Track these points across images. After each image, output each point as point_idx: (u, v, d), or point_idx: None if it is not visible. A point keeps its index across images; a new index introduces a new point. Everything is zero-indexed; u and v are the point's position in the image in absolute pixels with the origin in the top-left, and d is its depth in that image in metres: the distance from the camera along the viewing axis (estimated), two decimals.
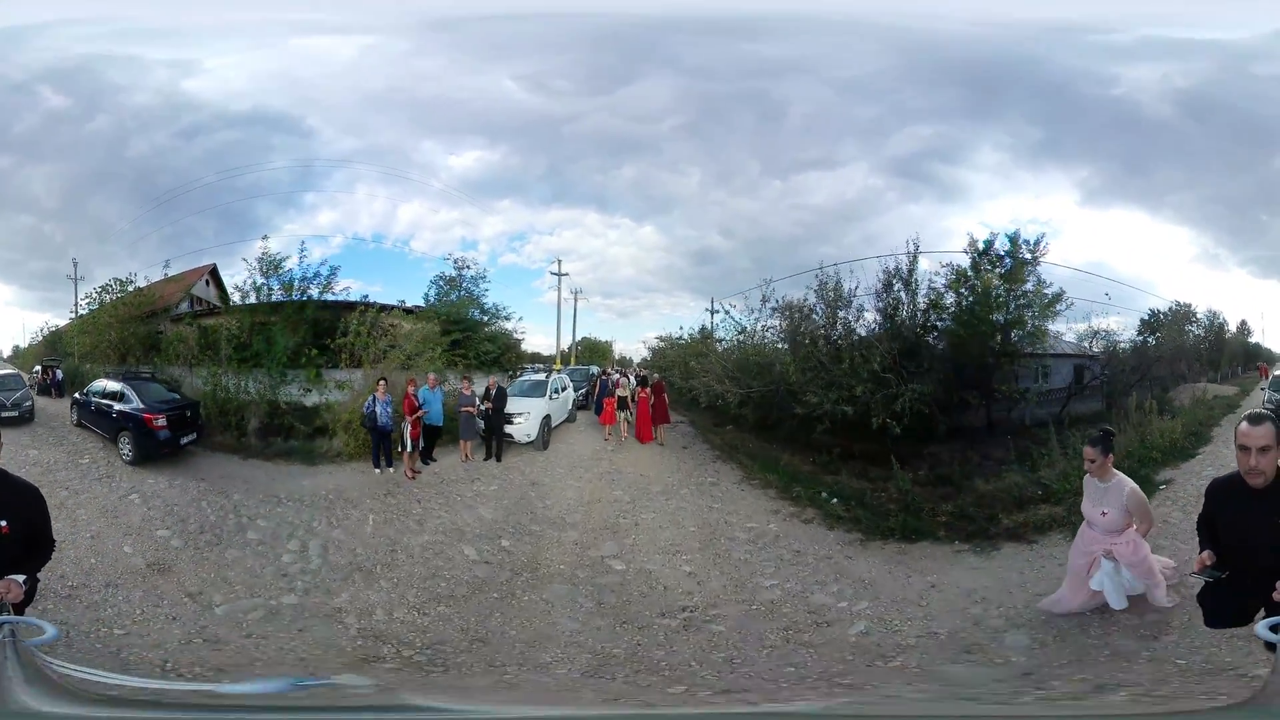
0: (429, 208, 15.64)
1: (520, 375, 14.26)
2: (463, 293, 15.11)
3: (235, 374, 11.41)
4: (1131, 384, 11.30)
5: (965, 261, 10.81)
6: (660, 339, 18.14)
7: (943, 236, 18.24)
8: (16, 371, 12.37)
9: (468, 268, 15.19)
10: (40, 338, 14.38)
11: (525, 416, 12.25)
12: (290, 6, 12.66)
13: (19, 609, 3.17)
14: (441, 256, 15.16)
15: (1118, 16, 12.98)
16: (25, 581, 3.28)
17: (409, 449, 10.00)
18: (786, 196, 16.63)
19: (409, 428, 9.95)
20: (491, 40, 14.19)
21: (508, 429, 11.93)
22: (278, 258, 12.04)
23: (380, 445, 9.94)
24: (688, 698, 4.83)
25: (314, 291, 11.88)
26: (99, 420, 9.89)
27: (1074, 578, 5.61)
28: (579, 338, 21.27)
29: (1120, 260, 11.75)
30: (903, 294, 10.84)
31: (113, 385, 10.02)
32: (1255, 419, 3.56)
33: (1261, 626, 2.83)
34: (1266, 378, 12.10)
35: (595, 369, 18.63)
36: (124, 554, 6.60)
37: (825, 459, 10.45)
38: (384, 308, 12.55)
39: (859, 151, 15.63)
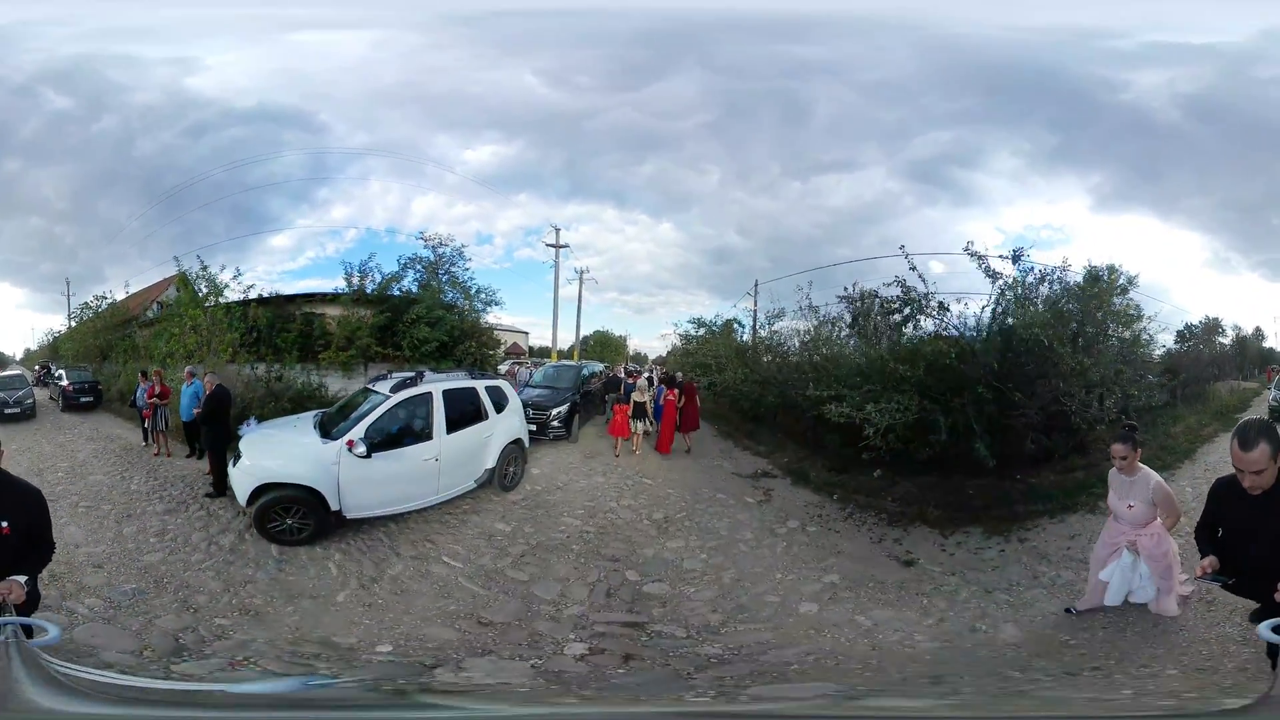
0: (444, 201, 15.42)
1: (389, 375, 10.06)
2: (445, 274, 13.91)
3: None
4: (1189, 380, 13.39)
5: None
6: (699, 323, 15.74)
7: (959, 241, 17.29)
8: (21, 373, 15.95)
9: (443, 245, 14.20)
10: (47, 341, 16.34)
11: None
12: (287, 2, 13.06)
13: (21, 610, 3.17)
14: (416, 234, 14.42)
15: (1120, 22, 13.04)
16: (26, 582, 3.32)
17: (147, 427, 11.86)
18: (806, 198, 15.99)
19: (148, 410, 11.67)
20: (513, 35, 14.21)
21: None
22: (197, 272, 13.68)
23: (143, 423, 12.04)
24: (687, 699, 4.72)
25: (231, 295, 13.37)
26: (54, 390, 16.46)
27: (1095, 570, 5.59)
28: (593, 331, 19.57)
29: (1132, 265, 11.77)
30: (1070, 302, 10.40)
31: (62, 372, 16.28)
32: (1245, 441, 3.32)
33: (1264, 628, 2.76)
34: (1272, 380, 13.81)
35: (597, 366, 15.90)
36: (31, 428, 13.48)
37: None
38: (288, 298, 12.42)
39: (880, 155, 15.10)
